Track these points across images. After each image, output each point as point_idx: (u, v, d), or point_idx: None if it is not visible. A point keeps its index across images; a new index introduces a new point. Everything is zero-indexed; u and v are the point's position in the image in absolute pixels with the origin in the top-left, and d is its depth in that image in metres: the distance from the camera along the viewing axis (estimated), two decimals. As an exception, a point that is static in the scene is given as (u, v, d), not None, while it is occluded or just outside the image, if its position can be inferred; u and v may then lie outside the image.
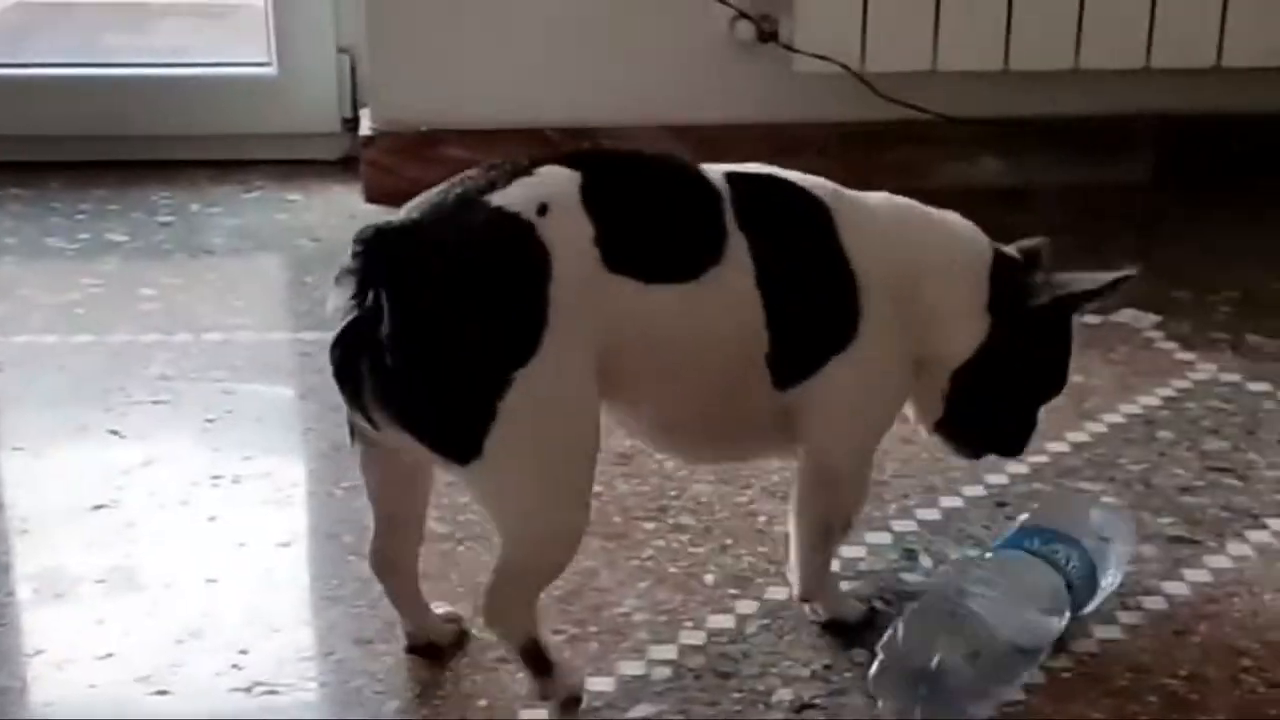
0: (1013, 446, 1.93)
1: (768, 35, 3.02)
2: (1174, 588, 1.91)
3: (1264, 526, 2.04)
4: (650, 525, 2.04)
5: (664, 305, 1.65)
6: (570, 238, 1.61)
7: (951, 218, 1.85)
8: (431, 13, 3.06)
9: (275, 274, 2.90)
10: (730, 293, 1.68)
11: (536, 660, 1.69)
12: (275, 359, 2.51)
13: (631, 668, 1.78)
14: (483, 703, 1.72)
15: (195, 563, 1.98)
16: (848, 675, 1.76)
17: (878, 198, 1.83)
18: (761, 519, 2.05)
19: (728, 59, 3.03)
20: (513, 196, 1.61)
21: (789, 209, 1.75)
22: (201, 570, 1.96)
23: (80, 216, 3.04)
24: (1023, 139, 2.90)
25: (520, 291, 1.58)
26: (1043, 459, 2.18)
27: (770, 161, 1.81)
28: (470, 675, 1.76)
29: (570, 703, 1.70)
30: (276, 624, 1.86)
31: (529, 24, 3.08)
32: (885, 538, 2.02)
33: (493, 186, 1.62)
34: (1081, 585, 1.81)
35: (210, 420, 2.31)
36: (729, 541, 2.01)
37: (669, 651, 1.81)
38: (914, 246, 1.80)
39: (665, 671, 1.77)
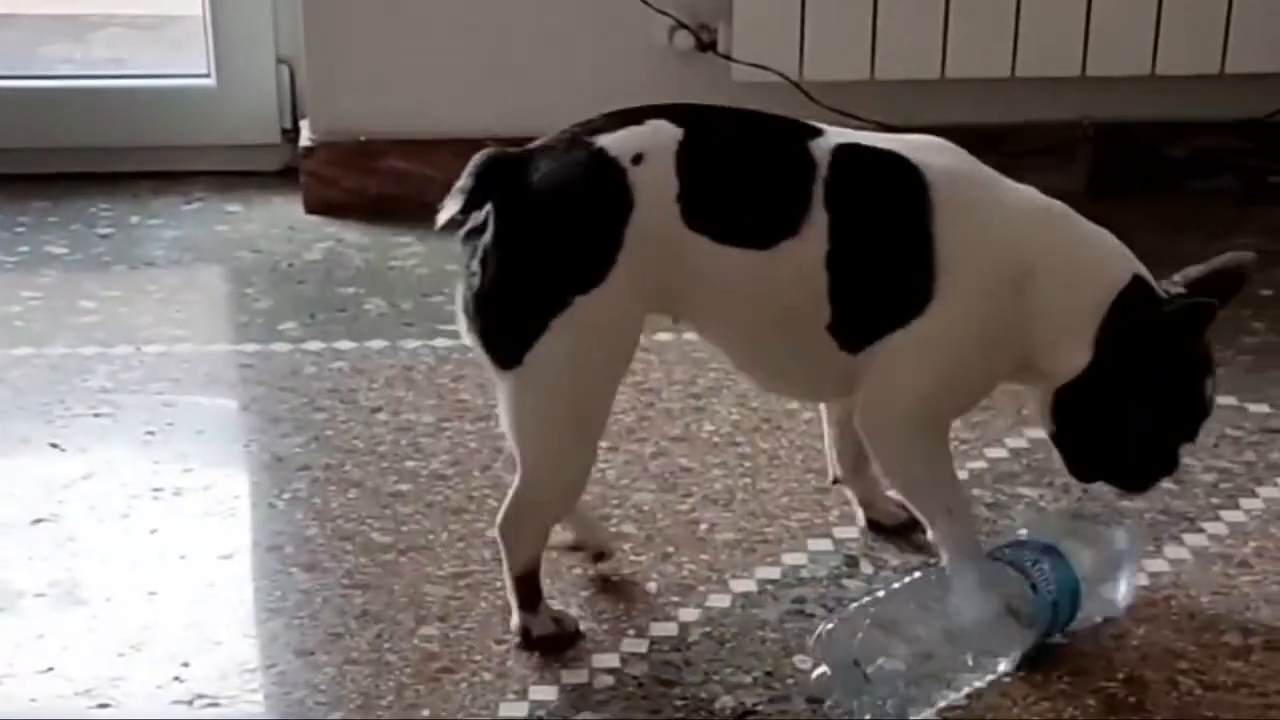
0: (1130, 481, 1.89)
1: (707, 45, 3.04)
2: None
3: (1200, 530, 2.06)
4: (592, 534, 2.04)
5: (733, 266, 1.77)
6: (655, 190, 1.74)
7: (1096, 237, 1.84)
8: (370, 23, 3.06)
9: (216, 286, 2.89)
10: (800, 266, 1.77)
11: (528, 590, 1.84)
12: (216, 371, 2.50)
13: (574, 676, 1.78)
14: (426, 712, 1.72)
15: (136, 576, 1.97)
16: (789, 682, 1.77)
17: (1019, 194, 1.84)
18: (703, 527, 2.06)
19: (667, 68, 3.04)
20: (616, 141, 1.75)
21: (884, 191, 1.80)
22: (143, 583, 1.96)
23: (19, 229, 3.03)
24: (960, 147, 2.92)
25: (600, 225, 1.73)
26: (981, 465, 2.20)
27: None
28: (413, 685, 1.76)
29: (544, 642, 1.82)
30: (218, 636, 1.86)
31: (468, 34, 3.08)
32: (826, 544, 2.03)
33: (603, 130, 1.76)
34: (1058, 598, 1.78)
35: (151, 433, 2.31)
36: (670, 550, 2.01)
37: (612, 660, 1.81)
38: (1024, 249, 1.80)
39: (608, 680, 1.78)
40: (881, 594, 1.78)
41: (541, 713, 1.73)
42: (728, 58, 2.98)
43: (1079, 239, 1.83)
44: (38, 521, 2.08)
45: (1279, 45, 3.04)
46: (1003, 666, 1.77)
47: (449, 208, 1.75)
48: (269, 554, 2.02)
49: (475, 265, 1.74)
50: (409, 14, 3.06)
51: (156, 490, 2.16)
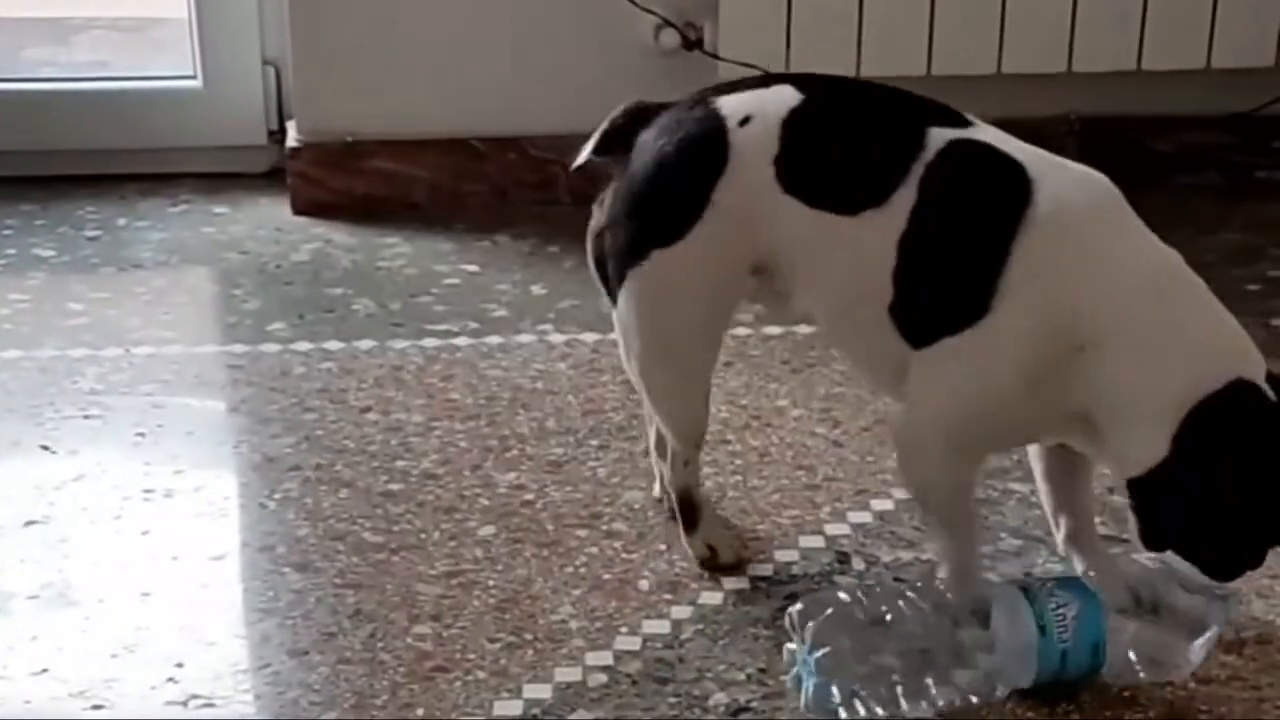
0: (1206, 569, 1.71)
1: (693, 43, 3.04)
2: (1103, 586, 1.92)
3: (1191, 524, 2.06)
4: (583, 532, 2.05)
5: (821, 229, 1.78)
6: (754, 151, 1.78)
7: (1205, 324, 1.68)
8: (356, 24, 3.06)
9: (204, 287, 2.89)
10: (877, 238, 1.75)
11: (686, 513, 1.98)
12: (205, 372, 2.50)
13: (568, 675, 1.78)
14: (420, 711, 1.73)
15: (129, 577, 1.97)
16: (783, 678, 1.77)
17: (1140, 256, 1.71)
18: (694, 524, 2.06)
19: (653, 67, 3.04)
20: (732, 103, 1.81)
21: (980, 193, 1.74)
22: (135, 585, 1.96)
23: (6, 232, 3.02)
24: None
25: (689, 183, 1.80)
26: (972, 460, 2.19)
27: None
28: (407, 684, 1.76)
29: (706, 562, 1.96)
30: (211, 637, 1.86)
31: (454, 34, 3.08)
32: (818, 541, 2.03)
33: (730, 91, 1.84)
34: (1069, 648, 1.72)
35: (141, 434, 2.30)
36: (662, 547, 2.01)
37: (605, 658, 1.81)
38: (1100, 313, 1.67)
39: (601, 678, 1.78)
40: (880, 590, 1.77)
41: (536, 711, 1.73)
42: (714, 56, 2.98)
43: (1180, 322, 1.67)
44: (29, 524, 2.08)
45: (1264, 40, 3.05)
46: (1000, 692, 1.73)
47: (584, 151, 1.89)
48: (261, 554, 2.02)
49: (597, 204, 1.88)
50: (395, 15, 3.05)
51: (148, 492, 2.16)
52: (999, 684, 1.73)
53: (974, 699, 1.72)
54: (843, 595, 1.73)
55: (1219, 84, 3.14)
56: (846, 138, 1.79)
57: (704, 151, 1.80)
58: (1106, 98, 3.17)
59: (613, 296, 1.88)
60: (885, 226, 1.75)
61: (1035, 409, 1.71)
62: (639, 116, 1.86)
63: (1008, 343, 1.69)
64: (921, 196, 1.74)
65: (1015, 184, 1.72)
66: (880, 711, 1.69)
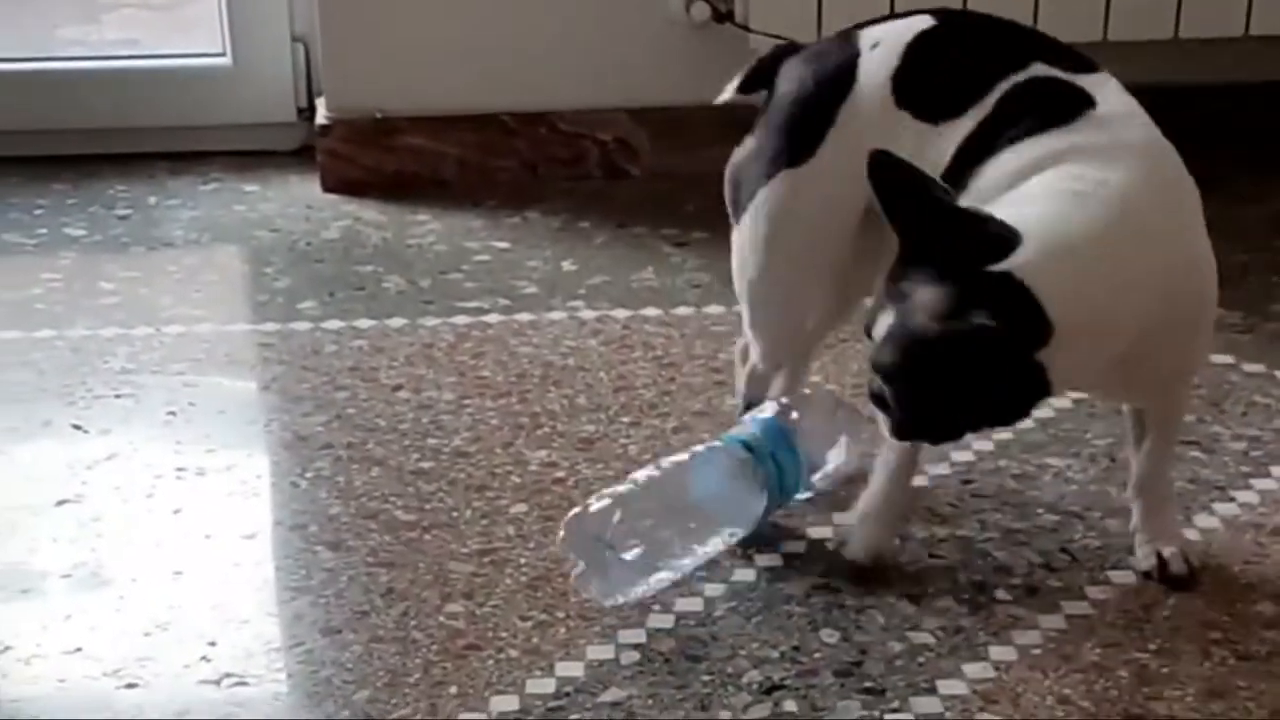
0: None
1: (724, 15, 3.02)
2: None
3: (1230, 499, 2.05)
4: (617, 509, 2.04)
5: (919, 138, 1.81)
6: (877, 71, 1.85)
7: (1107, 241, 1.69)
8: (385, 0, 3.05)
9: (234, 265, 2.88)
10: (947, 146, 1.79)
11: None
12: (236, 351, 2.50)
13: (600, 652, 1.78)
14: (453, 689, 1.72)
15: (161, 556, 1.97)
16: (816, 655, 1.76)
17: (1133, 178, 1.76)
18: (728, 501, 2.05)
19: (684, 40, 3.03)
20: (872, 31, 1.89)
21: (1037, 112, 1.75)
22: (168, 563, 1.96)
23: (38, 211, 3.02)
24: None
25: (816, 106, 1.87)
26: (1008, 435, 2.18)
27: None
28: (440, 662, 1.76)
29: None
30: (244, 615, 1.86)
31: (484, 9, 3.07)
32: (851, 518, 2.01)
33: (877, 21, 1.90)
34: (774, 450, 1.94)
35: (172, 413, 2.30)
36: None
37: (638, 635, 1.81)
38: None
39: (634, 655, 1.77)
40: (624, 489, 1.87)
41: (568, 689, 1.72)
42: (745, 28, 2.97)
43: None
44: (62, 503, 2.08)
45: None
46: (741, 533, 1.92)
47: (728, 88, 1.97)
48: (293, 533, 2.01)
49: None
50: (424, -10, 3.05)
51: (180, 470, 2.15)
52: (724, 525, 1.91)
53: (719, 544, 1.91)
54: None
55: (1255, 52, 3.11)
56: (957, 58, 1.83)
57: (833, 75, 1.86)
58: (1143, 66, 3.14)
59: (737, 217, 1.94)
60: (954, 136, 1.78)
61: None
62: (786, 53, 1.94)
63: None
64: (994, 112, 1.77)
65: (1072, 104, 1.76)
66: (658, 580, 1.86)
